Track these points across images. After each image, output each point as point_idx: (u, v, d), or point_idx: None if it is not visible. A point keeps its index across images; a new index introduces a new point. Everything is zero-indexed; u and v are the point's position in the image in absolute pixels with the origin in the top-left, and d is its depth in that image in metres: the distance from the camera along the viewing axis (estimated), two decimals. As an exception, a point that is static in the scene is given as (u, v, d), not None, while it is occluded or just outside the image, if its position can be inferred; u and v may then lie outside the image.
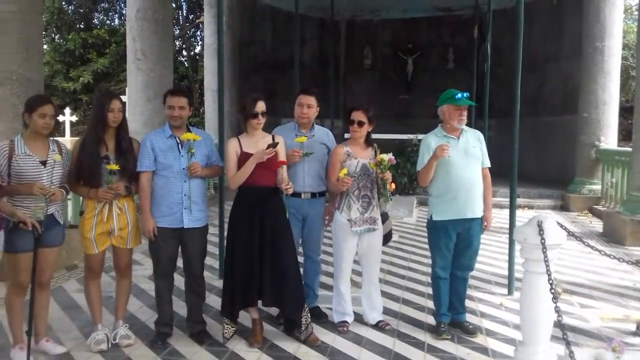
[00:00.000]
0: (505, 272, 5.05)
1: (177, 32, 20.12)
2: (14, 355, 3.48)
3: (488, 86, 7.54)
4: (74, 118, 15.15)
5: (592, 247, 3.44)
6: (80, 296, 4.31)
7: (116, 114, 3.61)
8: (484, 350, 3.75)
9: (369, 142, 4.09)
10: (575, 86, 10.41)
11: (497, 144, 8.46)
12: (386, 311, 4.33)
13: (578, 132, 10.04)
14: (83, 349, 3.70)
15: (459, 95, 3.86)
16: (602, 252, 3.40)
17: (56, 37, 20.03)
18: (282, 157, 3.78)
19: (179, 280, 4.07)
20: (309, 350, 3.72)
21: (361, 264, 4.18)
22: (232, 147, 3.77)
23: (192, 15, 21.41)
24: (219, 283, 4.73)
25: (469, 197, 3.89)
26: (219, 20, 5.56)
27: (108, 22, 21.25)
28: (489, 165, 4.06)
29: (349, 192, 3.97)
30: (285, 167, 3.77)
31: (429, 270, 4.26)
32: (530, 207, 9.78)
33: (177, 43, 20.61)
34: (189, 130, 3.77)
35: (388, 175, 3.92)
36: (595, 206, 9.32)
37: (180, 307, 4.17)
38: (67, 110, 14.98)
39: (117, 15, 21.28)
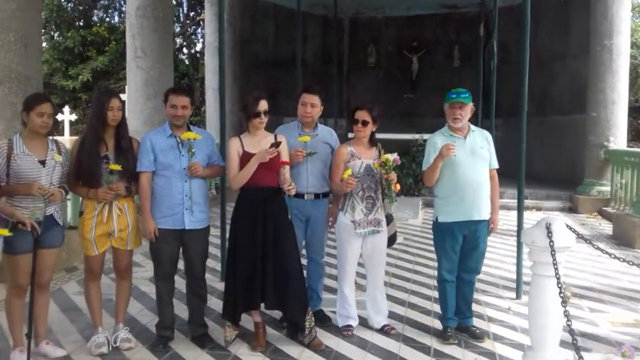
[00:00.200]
0: (513, 276, 4.97)
1: (177, 29, 20.07)
2: (14, 358, 3.44)
3: (495, 85, 7.44)
4: (73, 117, 15.09)
5: (601, 250, 3.37)
6: (80, 298, 4.25)
7: (115, 113, 3.56)
8: (491, 355, 3.69)
9: (373, 141, 4.03)
10: (583, 85, 10.30)
11: (504, 144, 8.36)
12: (391, 315, 4.26)
13: (587, 132, 9.93)
14: (83, 352, 3.66)
15: (454, 94, 3.81)
16: (612, 255, 3.34)
17: (55, 34, 19.98)
18: (284, 157, 3.72)
19: (180, 283, 4.02)
20: (312, 354, 3.66)
21: (365, 266, 4.11)
22: (234, 147, 3.71)
23: (192, 13, 21.36)
24: (220, 285, 4.67)
25: (476, 199, 3.82)
26: (220, 18, 5.52)
27: (107, 19, 21.20)
28: (497, 166, 3.99)
29: (353, 193, 3.91)
30: (287, 167, 3.71)
31: (435, 273, 4.19)
32: (539, 209, 9.68)
33: (178, 41, 20.55)
34: (189, 130, 3.71)
35: (393, 175, 3.85)
36: (605, 208, 9.20)
37: (181, 310, 4.12)
38: (66, 109, 14.93)
39: (116, 13, 21.23)
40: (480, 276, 4.39)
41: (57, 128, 14.01)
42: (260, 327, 3.77)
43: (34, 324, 3.43)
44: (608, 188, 9.52)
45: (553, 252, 2.89)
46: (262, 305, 3.72)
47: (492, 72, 7.51)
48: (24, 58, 4.97)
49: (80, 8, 20.50)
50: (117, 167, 3.50)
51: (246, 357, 3.61)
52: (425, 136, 7.85)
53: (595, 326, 4.21)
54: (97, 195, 3.53)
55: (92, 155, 3.53)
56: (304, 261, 3.99)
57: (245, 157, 3.65)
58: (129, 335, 3.78)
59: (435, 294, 4.36)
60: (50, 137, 3.57)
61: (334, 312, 4.16)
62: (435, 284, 4.23)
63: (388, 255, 4.32)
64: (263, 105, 3.69)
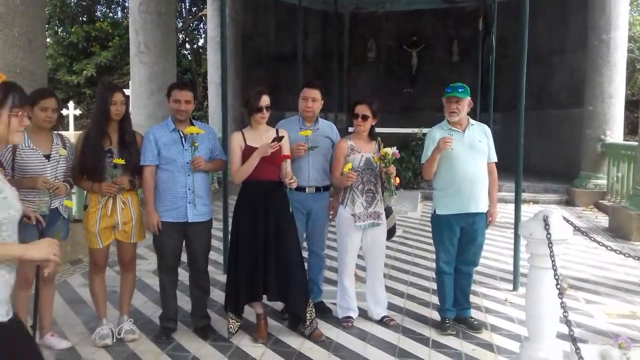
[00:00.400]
0: (511, 268, 5.03)
1: (180, 24, 20.04)
2: (19, 349, 3.48)
3: (493, 79, 7.49)
4: (78, 112, 15.16)
5: (598, 242, 3.40)
6: (85, 291, 4.31)
7: (119, 107, 3.60)
8: (489, 346, 3.74)
9: (372, 135, 4.07)
10: (581, 79, 10.34)
11: (502, 137, 8.41)
12: (391, 306, 4.31)
13: (584, 126, 9.97)
14: (88, 343, 3.70)
15: (450, 89, 3.85)
16: (608, 248, 3.38)
17: (59, 30, 19.96)
18: (286, 151, 3.76)
19: (184, 275, 4.06)
20: (313, 345, 3.71)
21: (365, 259, 4.16)
22: (236, 141, 3.76)
23: (195, 8, 21.32)
24: (223, 278, 4.72)
25: (473, 191, 3.87)
26: (222, 13, 5.54)
27: (111, 14, 21.18)
28: (495, 160, 4.03)
29: (353, 186, 3.95)
30: (289, 161, 3.76)
31: (434, 265, 4.25)
32: (536, 202, 9.73)
33: (180, 36, 20.54)
34: (192, 124, 3.75)
35: (392, 169, 3.89)
36: (601, 201, 9.26)
37: (184, 302, 4.17)
38: (71, 104, 14.98)
39: (119, 8, 21.22)
40: (478, 268, 4.43)
41: (62, 123, 14.06)
42: (262, 318, 3.83)
43: (39, 316, 3.46)
44: (604, 181, 9.58)
45: (550, 245, 2.92)
46: (264, 297, 3.78)
47: (491, 67, 7.56)
48: (28, 53, 4.99)
49: (84, 3, 20.47)
50: (121, 161, 3.54)
51: (248, 348, 3.67)
52: (425, 130, 7.89)
53: (591, 318, 4.27)
54: (101, 189, 3.58)
55: (96, 149, 3.57)
56: (305, 254, 4.04)
57: (248, 151, 3.70)
58: (133, 326, 3.83)
59: (434, 286, 4.41)
60: (55, 132, 3.62)
61: (335, 304, 4.21)
62: (434, 276, 4.29)
63: (387, 247, 4.37)
64: (265, 100, 3.73)
